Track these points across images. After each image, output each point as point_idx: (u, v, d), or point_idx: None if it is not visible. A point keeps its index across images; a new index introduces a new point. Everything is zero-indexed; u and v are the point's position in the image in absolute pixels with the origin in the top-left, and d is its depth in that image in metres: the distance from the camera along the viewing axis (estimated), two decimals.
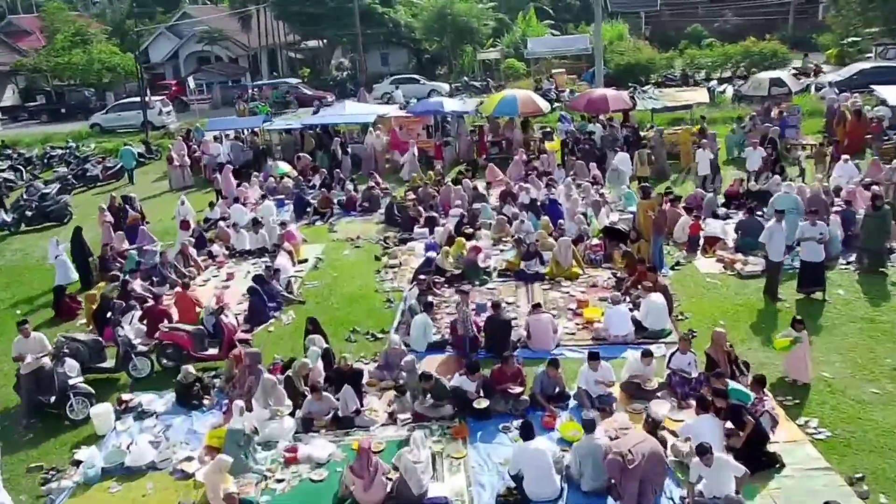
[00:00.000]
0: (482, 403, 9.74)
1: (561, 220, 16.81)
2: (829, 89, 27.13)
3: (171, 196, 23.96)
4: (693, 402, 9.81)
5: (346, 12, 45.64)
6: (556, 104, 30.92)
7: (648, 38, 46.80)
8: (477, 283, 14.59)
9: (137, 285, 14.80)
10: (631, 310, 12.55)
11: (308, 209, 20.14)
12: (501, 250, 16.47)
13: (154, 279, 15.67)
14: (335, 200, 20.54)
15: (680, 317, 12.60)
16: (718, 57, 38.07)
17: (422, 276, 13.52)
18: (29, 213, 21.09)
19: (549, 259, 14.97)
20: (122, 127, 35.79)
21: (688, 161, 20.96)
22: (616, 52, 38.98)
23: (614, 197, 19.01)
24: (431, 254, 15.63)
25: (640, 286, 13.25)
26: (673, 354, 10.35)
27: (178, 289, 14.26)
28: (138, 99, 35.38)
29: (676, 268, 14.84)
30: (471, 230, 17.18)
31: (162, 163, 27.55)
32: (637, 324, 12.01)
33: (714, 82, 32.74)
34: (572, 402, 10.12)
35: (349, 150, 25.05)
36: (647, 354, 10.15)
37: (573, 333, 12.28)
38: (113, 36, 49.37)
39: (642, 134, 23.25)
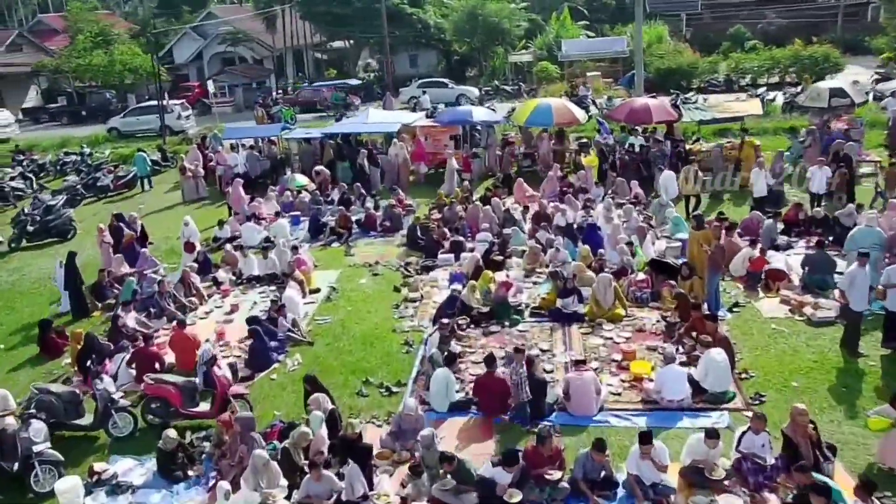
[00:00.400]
0: (514, 497, 8.06)
1: (601, 250, 15.10)
2: (892, 99, 24.98)
3: (184, 209, 22.61)
4: (768, 496, 8.13)
5: (373, 13, 44.17)
6: (590, 112, 29.07)
7: (689, 40, 44.71)
8: (507, 323, 12.94)
9: (131, 318, 13.41)
10: (683, 364, 10.87)
11: (324, 229, 18.60)
12: (535, 283, 14.78)
13: (151, 310, 14.27)
14: (354, 219, 18.98)
15: (743, 375, 10.80)
16: (765, 61, 35.84)
17: (444, 321, 11.87)
18: (30, 228, 19.82)
19: (589, 296, 13.29)
20: (140, 131, 34.63)
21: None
22: (655, 56, 36.99)
23: (659, 221, 17.18)
24: (456, 286, 14.02)
25: (693, 334, 11.56)
26: (743, 434, 8.60)
27: (175, 324, 12.91)
28: (156, 102, 34.15)
29: (735, 310, 13.01)
30: (500, 258, 15.52)
31: (178, 171, 26.16)
32: (693, 383, 10.28)
33: (763, 89, 30.60)
34: (621, 491, 8.42)
35: (379, 161, 23.32)
36: (712, 436, 8.39)
37: (618, 394, 10.55)
38: (140, 35, 48.40)
39: (687, 147, 21.34)
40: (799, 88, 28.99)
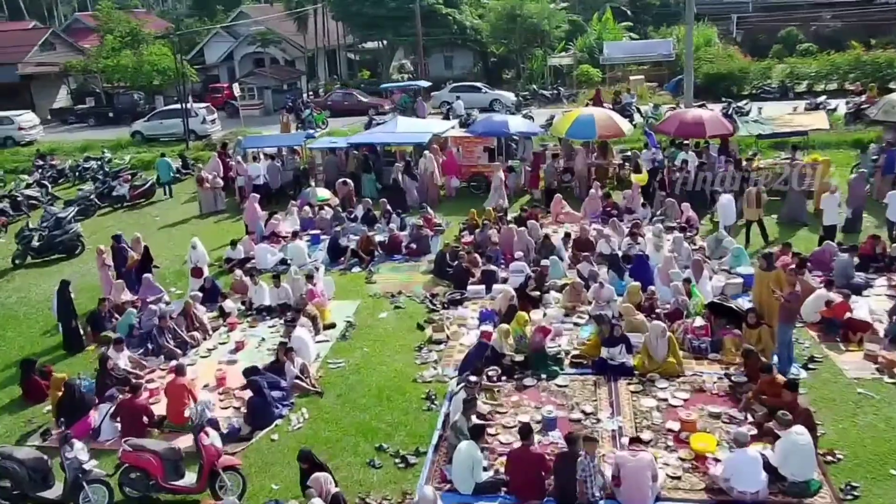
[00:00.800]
0: None
1: (652, 287, 13.33)
2: None
3: (201, 223, 21.39)
4: None
5: (407, 13, 42.62)
6: (634, 121, 27.15)
7: (738, 43, 42.41)
8: (544, 376, 11.28)
9: (124, 358, 12.05)
10: (754, 436, 9.13)
11: (345, 252, 17.08)
12: (576, 323, 13.09)
13: (149, 346, 12.91)
14: (377, 241, 17.43)
15: (829, 457, 9.00)
16: (823, 66, 33.48)
17: (472, 379, 10.22)
18: (36, 244, 18.64)
19: (638, 344, 11.57)
20: (164, 135, 33.43)
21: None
22: (704, 60, 34.80)
23: (717, 255, 15.33)
24: (486, 328, 12.41)
25: (763, 398, 9.80)
26: None
27: (172, 366, 11.57)
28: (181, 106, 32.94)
29: (811, 366, 11.17)
30: (537, 293, 13.83)
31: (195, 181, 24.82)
32: (768, 467, 8.51)
33: (823, 97, 28.28)
34: None
35: (416, 174, 21.34)
36: None
37: (678, 477, 8.83)
38: (166, 37, 47.53)
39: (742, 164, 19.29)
40: (863, 97, 26.69)
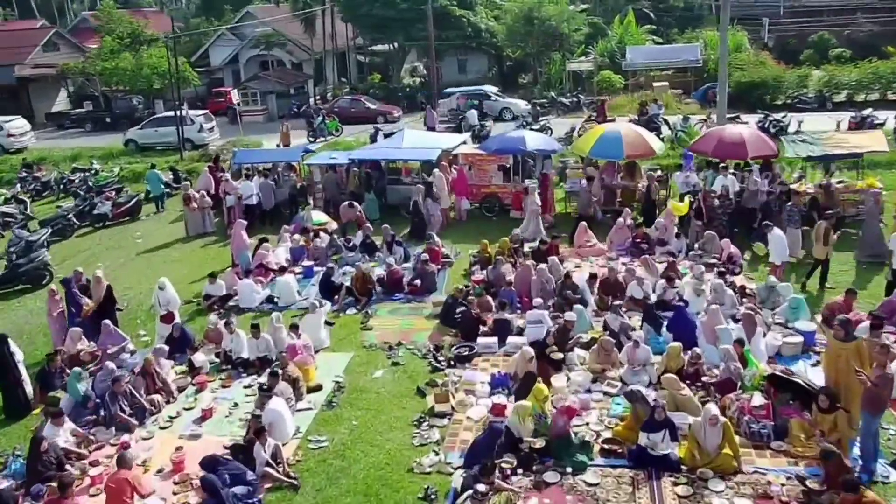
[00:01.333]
0: None
1: (697, 349, 11.19)
2: None
3: (185, 248, 19.45)
4: None
5: (419, 14, 40.53)
6: (662, 135, 24.90)
7: (769, 48, 40.08)
8: (568, 468, 9.18)
9: (64, 434, 10.06)
10: None
11: (338, 290, 15.03)
12: (605, 393, 10.98)
13: (101, 413, 10.93)
14: (375, 277, 15.38)
15: None
16: (865, 74, 31.09)
17: (480, 488, 8.07)
18: None
19: (683, 427, 9.46)
20: (160, 144, 31.43)
21: None
22: (735, 67, 32.45)
23: (770, 304, 13.13)
24: (499, 398, 10.38)
25: None
26: None
27: (125, 437, 9.75)
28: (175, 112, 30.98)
29: None
30: (559, 354, 11.71)
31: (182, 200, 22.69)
32: None
33: (870, 110, 25.85)
34: None
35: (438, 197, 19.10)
36: None
37: None
38: (165, 39, 45.63)
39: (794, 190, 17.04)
40: None
